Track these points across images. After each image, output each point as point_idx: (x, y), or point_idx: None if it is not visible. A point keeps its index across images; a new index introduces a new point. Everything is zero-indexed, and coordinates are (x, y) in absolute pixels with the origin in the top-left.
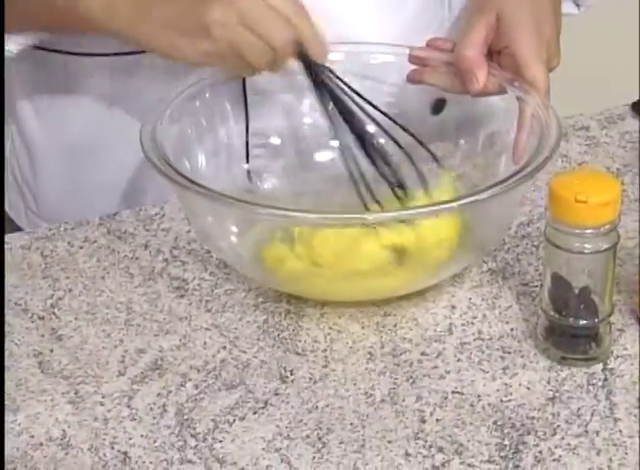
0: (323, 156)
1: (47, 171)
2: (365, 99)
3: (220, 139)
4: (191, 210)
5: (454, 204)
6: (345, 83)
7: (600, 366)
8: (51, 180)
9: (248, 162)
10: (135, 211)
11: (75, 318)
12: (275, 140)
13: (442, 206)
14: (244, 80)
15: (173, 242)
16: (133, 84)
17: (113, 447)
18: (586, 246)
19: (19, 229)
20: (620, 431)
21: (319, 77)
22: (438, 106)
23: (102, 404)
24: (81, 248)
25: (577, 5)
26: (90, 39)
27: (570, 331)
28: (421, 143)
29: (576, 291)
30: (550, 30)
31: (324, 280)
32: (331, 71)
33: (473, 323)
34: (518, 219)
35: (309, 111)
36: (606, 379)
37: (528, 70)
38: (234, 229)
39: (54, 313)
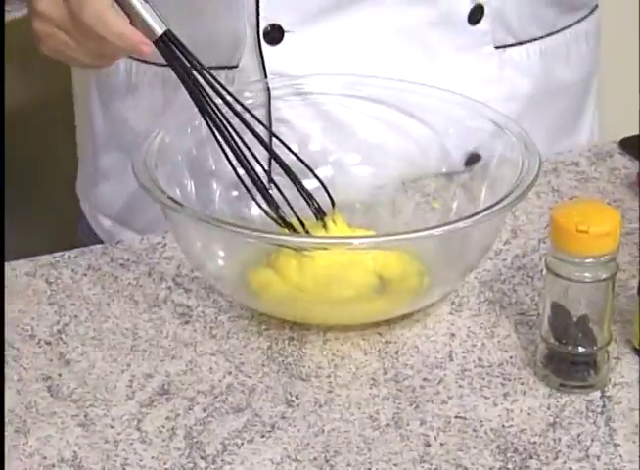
0: (310, 183)
1: (105, 167)
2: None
3: (209, 166)
4: (179, 233)
5: (436, 231)
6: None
7: (598, 393)
8: (107, 177)
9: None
10: (138, 239)
11: (82, 344)
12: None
13: (426, 232)
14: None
15: (176, 270)
16: (180, 96)
17: (124, 469)
18: (586, 275)
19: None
20: (621, 456)
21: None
22: (472, 159)
23: (112, 427)
24: (85, 275)
25: None
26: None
27: (569, 358)
28: (310, 169)
29: (575, 319)
30: None
31: (308, 305)
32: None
33: (473, 351)
34: (513, 252)
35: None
36: (604, 406)
37: None
38: (221, 253)
39: (61, 339)
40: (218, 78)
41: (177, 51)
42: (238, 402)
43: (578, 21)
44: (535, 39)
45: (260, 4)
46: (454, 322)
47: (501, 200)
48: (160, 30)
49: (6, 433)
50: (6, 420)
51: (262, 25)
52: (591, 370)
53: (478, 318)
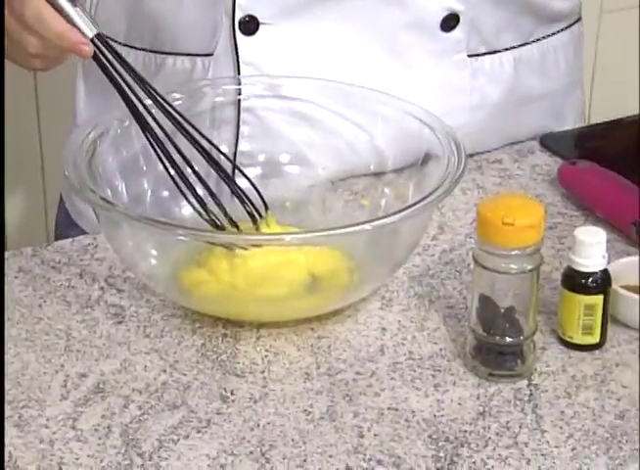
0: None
1: None
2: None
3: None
4: (111, 232)
5: (367, 225)
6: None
7: (525, 382)
8: None
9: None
10: (68, 241)
11: (15, 345)
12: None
13: (356, 227)
14: None
15: (108, 271)
16: (158, 81)
17: (60, 468)
18: (512, 266)
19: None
20: (548, 442)
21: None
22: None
23: (47, 427)
24: (16, 277)
25: None
26: (130, 30)
27: (496, 349)
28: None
29: (502, 310)
30: None
31: (240, 302)
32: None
33: (403, 344)
34: (440, 247)
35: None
36: (531, 394)
37: None
38: (153, 252)
39: None
40: (195, 68)
41: (109, 54)
42: (173, 400)
43: (556, 32)
44: (509, 48)
45: None
46: (385, 317)
47: (428, 195)
48: (90, 33)
49: None
50: None
51: (238, 16)
52: (518, 360)
53: (408, 312)
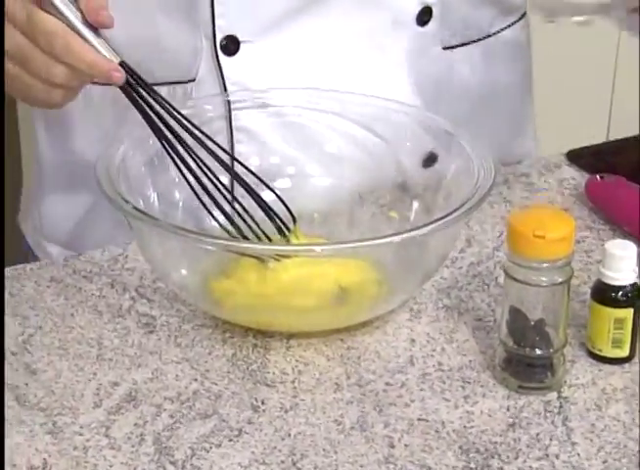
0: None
1: (52, 189)
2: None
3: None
4: (143, 242)
5: (396, 237)
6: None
7: (555, 394)
8: (54, 198)
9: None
10: (99, 251)
11: (48, 354)
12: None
13: (386, 239)
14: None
15: (139, 281)
16: (131, 115)
17: None
18: (543, 279)
19: (28, 245)
20: (579, 454)
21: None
22: (430, 159)
23: (80, 434)
24: (48, 287)
25: None
26: None
27: (526, 361)
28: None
29: (532, 323)
30: None
31: (270, 313)
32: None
33: (432, 355)
34: (468, 260)
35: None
36: (561, 406)
37: None
38: (184, 262)
39: (26, 349)
40: (176, 95)
41: (133, 81)
42: (205, 408)
43: (511, 24)
44: (475, 41)
45: (216, 16)
46: (414, 328)
47: (457, 208)
48: (116, 61)
49: None
50: None
51: (218, 37)
52: (548, 372)
53: (436, 324)
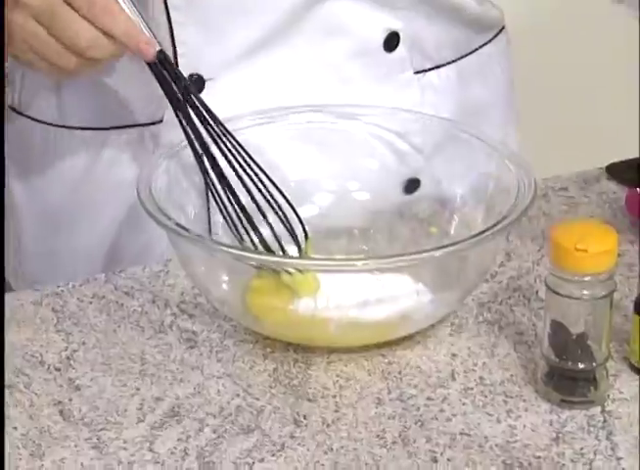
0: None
1: (28, 234)
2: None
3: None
4: (184, 258)
5: (436, 252)
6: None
7: (599, 409)
8: (31, 243)
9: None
10: (140, 268)
11: (91, 369)
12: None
13: (426, 254)
14: None
15: (180, 297)
16: (105, 157)
17: None
18: (585, 292)
19: (10, 288)
20: (624, 469)
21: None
22: (411, 186)
23: (125, 449)
24: (91, 303)
25: None
26: (66, 112)
27: (569, 375)
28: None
29: (574, 336)
30: None
31: (309, 330)
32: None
33: (474, 370)
34: (508, 274)
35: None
36: (605, 420)
37: None
38: (224, 277)
39: (70, 365)
40: (144, 138)
41: (167, 74)
42: (247, 423)
43: (488, 41)
44: (451, 62)
45: (178, 56)
46: (454, 343)
47: (497, 223)
48: (156, 46)
49: (21, 457)
50: (20, 444)
51: None
52: (591, 386)
53: (477, 339)
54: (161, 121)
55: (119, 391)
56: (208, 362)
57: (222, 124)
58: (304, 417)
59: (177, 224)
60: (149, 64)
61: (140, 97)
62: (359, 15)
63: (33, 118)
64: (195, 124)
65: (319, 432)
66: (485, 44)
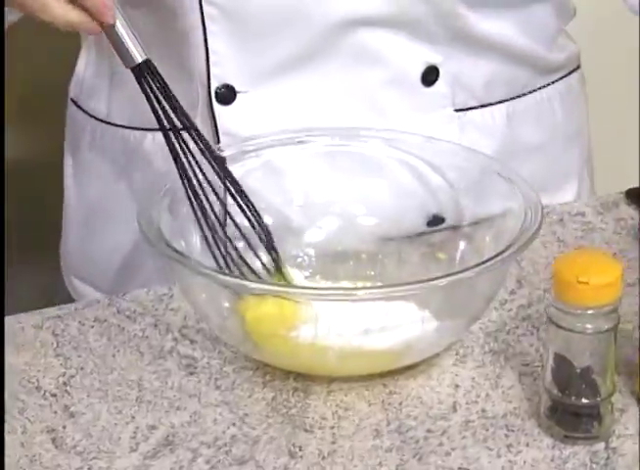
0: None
1: (71, 228)
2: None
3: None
4: (185, 285)
5: (442, 280)
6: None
7: (602, 445)
8: (72, 238)
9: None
10: (144, 291)
11: (87, 395)
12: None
13: (430, 283)
14: None
15: (182, 321)
16: (140, 157)
17: None
18: (588, 326)
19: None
20: None
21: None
22: (435, 221)
23: None
24: (92, 327)
25: None
26: (113, 109)
27: (572, 410)
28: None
29: (578, 370)
30: None
31: (309, 358)
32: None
33: (477, 402)
34: (518, 302)
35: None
36: (608, 457)
37: None
38: (225, 304)
39: (66, 391)
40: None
41: (152, 83)
42: (242, 454)
43: (553, 82)
44: (502, 101)
45: (210, 64)
46: (458, 373)
47: (503, 250)
48: (140, 58)
49: None
50: None
51: (214, 85)
52: (595, 422)
53: (482, 369)
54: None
55: (114, 418)
56: (207, 390)
57: (209, 147)
58: (300, 448)
59: (176, 251)
60: (136, 76)
61: None
62: (396, 45)
63: (86, 112)
64: (181, 145)
65: (314, 464)
66: (549, 85)
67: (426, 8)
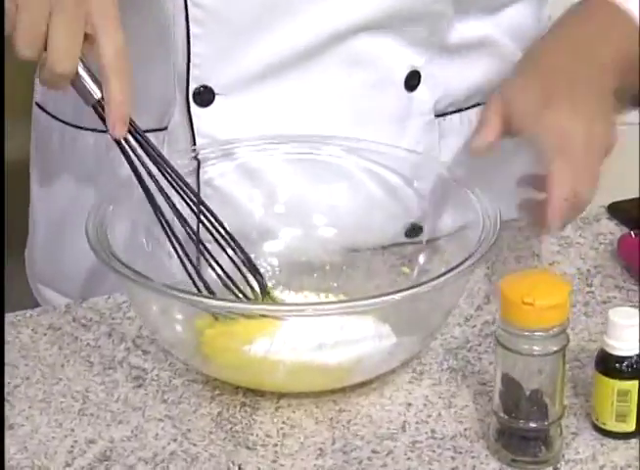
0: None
1: (39, 235)
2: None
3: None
4: (135, 300)
5: (396, 296)
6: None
7: None
8: (40, 244)
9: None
10: (103, 298)
11: (29, 407)
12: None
13: (386, 298)
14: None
15: (137, 331)
16: (111, 160)
17: None
18: (535, 348)
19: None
20: None
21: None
22: (413, 231)
23: None
24: (44, 335)
25: None
26: (82, 112)
27: (520, 433)
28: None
29: (528, 393)
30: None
31: (259, 373)
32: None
33: (427, 422)
34: (483, 318)
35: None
36: None
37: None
38: (178, 316)
39: (9, 401)
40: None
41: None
42: None
43: None
44: (477, 105)
45: (191, 66)
46: (412, 391)
47: (457, 266)
48: (97, 96)
49: None
50: None
51: (192, 87)
52: (543, 446)
53: (437, 387)
54: (167, 129)
55: (53, 431)
56: (152, 403)
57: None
58: (239, 467)
59: (126, 266)
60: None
61: (144, 101)
62: (381, 48)
63: (54, 116)
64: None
65: None
66: None
67: (412, 11)
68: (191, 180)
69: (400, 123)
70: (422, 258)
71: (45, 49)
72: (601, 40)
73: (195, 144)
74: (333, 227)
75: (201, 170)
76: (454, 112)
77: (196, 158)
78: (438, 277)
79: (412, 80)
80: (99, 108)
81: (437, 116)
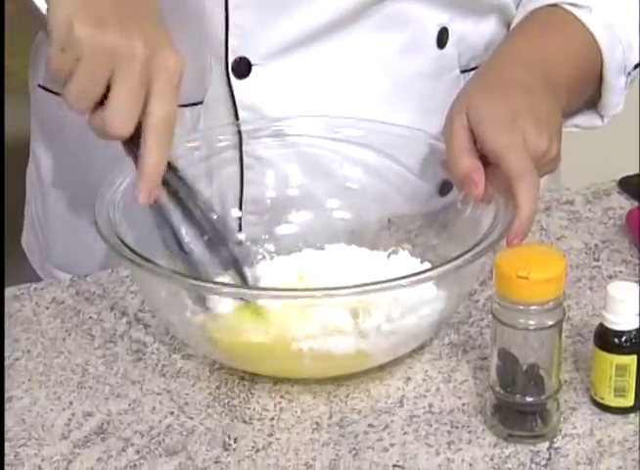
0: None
1: (55, 214)
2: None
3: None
4: (143, 285)
5: (406, 280)
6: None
7: (546, 445)
8: (57, 224)
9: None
10: (107, 272)
11: (29, 379)
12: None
13: (398, 281)
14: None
15: (140, 305)
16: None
17: None
18: (530, 322)
19: (32, 269)
20: None
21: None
22: (446, 187)
23: (39, 468)
24: (47, 308)
25: (601, 116)
26: None
27: (516, 408)
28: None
29: (524, 367)
30: (526, 121)
31: (261, 358)
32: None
33: (425, 396)
34: (487, 292)
35: None
36: (549, 458)
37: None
38: (190, 303)
39: (8, 375)
40: (184, 118)
41: None
42: (174, 445)
43: None
44: None
45: (229, 36)
46: (412, 365)
47: (470, 249)
48: None
49: None
50: None
51: (231, 58)
52: (539, 420)
53: (437, 362)
54: (201, 103)
55: (51, 404)
56: (151, 377)
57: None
58: (235, 440)
59: (131, 250)
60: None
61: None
62: (414, 9)
63: (50, 91)
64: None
65: (246, 457)
66: None
67: None
68: (232, 153)
69: (433, 81)
70: (435, 233)
71: (101, 103)
72: (559, 60)
73: (237, 116)
74: (371, 198)
75: (243, 143)
76: (474, 68)
77: (239, 132)
78: (451, 261)
79: (443, 37)
80: (127, 147)
81: (462, 71)
